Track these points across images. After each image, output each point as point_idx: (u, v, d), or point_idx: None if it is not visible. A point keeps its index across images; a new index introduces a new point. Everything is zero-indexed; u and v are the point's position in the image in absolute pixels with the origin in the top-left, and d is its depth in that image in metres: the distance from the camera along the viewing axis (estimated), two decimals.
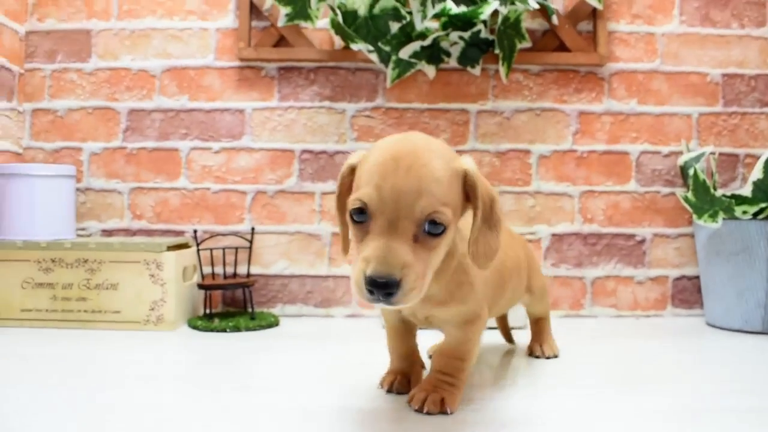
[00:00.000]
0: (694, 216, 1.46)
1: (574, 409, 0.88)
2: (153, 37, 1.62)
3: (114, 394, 0.92)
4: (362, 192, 0.73)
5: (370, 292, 0.70)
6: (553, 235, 1.62)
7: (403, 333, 0.96)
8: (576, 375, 1.06)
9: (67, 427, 0.78)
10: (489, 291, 0.91)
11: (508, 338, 1.30)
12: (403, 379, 0.94)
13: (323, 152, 1.62)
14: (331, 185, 1.61)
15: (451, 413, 0.84)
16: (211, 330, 1.40)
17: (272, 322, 1.47)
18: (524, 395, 0.94)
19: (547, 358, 1.19)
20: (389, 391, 0.93)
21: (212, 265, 1.55)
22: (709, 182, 1.44)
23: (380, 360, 1.08)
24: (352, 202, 0.74)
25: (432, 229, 0.72)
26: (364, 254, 0.71)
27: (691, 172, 1.47)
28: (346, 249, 0.85)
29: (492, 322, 1.34)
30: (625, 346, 1.29)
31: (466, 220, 0.81)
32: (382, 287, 0.69)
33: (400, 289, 0.69)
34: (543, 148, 1.62)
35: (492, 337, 1.33)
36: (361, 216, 0.73)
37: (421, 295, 0.72)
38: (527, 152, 1.62)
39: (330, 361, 1.14)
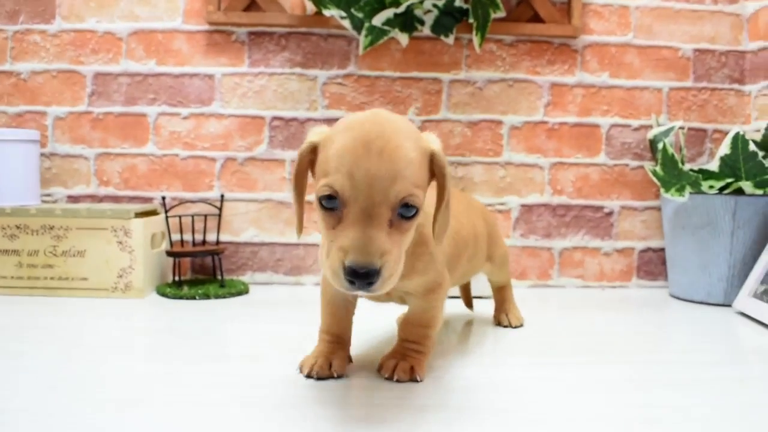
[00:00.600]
0: (662, 189, 1.48)
1: (539, 377, 0.89)
2: None
3: (84, 363, 0.92)
4: (333, 179, 0.71)
5: (350, 282, 0.69)
6: (523, 205, 1.63)
7: (343, 310, 0.92)
8: (542, 344, 1.08)
9: (36, 397, 0.78)
10: (446, 260, 0.92)
11: (469, 304, 1.32)
12: (325, 362, 0.88)
13: (294, 119, 1.60)
14: None
15: (421, 380, 0.86)
16: (180, 297, 1.39)
17: (242, 290, 1.46)
18: (490, 363, 0.96)
19: (514, 327, 1.20)
20: (309, 376, 0.87)
21: (181, 232, 1.54)
22: (677, 156, 1.46)
23: None
24: (322, 189, 0.71)
25: (405, 212, 0.72)
26: (340, 243, 0.70)
27: (660, 146, 1.48)
28: (300, 228, 0.82)
29: (455, 290, 1.36)
30: (591, 317, 1.31)
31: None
32: (363, 277, 0.68)
33: (380, 277, 0.69)
34: (515, 119, 1.62)
35: (457, 307, 1.34)
36: (331, 202, 0.71)
37: (396, 279, 0.72)
38: (499, 123, 1.62)
39: (300, 329, 1.14)
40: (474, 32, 1.55)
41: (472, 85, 1.62)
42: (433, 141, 0.78)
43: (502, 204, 1.63)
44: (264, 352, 0.99)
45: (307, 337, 1.09)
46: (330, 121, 1.59)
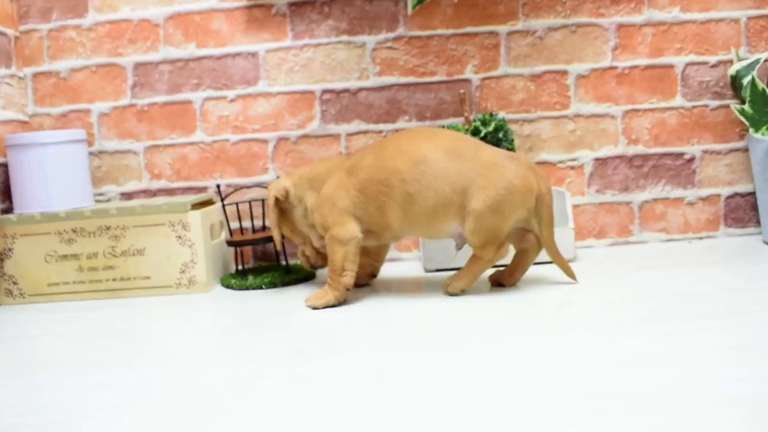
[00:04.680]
0: (751, 129, 1.35)
1: (629, 346, 0.80)
2: None
3: (156, 366, 0.86)
4: None
5: None
6: (596, 159, 1.52)
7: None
8: (624, 309, 0.98)
9: (111, 404, 0.72)
10: (350, 210, 1.14)
11: (503, 279, 1.25)
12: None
13: (345, 91, 1.51)
14: (357, 125, 1.51)
15: (312, 308, 1.12)
16: (247, 288, 1.33)
17: (309, 274, 1.40)
18: (550, 337, 0.86)
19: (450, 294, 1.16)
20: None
21: (239, 219, 1.47)
22: None
23: (424, 309, 1.01)
24: None
25: None
26: None
27: (745, 81, 1.35)
28: None
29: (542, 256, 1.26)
30: (677, 273, 1.20)
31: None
32: None
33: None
34: (581, 68, 1.50)
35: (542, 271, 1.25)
36: None
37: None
38: (564, 73, 1.51)
39: (378, 312, 1.06)
40: None
41: (531, 35, 1.50)
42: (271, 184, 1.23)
43: (573, 160, 1.52)
44: (352, 344, 0.92)
45: (404, 316, 1.01)
46: (382, 89, 1.50)
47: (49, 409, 0.73)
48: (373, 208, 1.13)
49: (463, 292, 1.14)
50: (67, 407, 0.73)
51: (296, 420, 0.65)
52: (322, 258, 1.28)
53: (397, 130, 1.51)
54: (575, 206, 1.53)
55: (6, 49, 1.48)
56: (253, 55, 1.51)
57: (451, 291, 1.14)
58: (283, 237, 1.27)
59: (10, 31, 1.50)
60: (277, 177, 1.50)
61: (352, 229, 1.13)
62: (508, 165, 1.10)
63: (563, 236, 1.35)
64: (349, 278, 1.14)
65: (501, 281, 1.20)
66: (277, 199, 1.22)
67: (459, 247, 1.18)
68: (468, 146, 1.11)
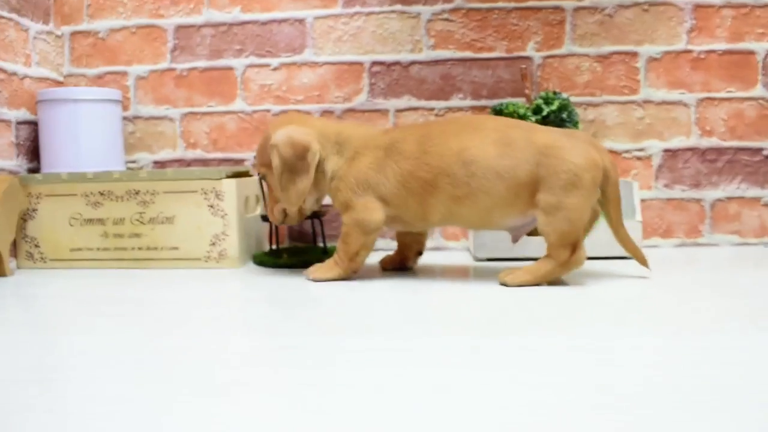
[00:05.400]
0: None
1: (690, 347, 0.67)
2: None
3: (180, 339, 0.76)
4: None
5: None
6: (666, 150, 1.39)
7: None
8: (693, 311, 0.85)
9: (129, 376, 0.62)
10: (394, 192, 1.03)
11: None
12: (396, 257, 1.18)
13: (396, 63, 1.41)
14: (407, 101, 1.41)
15: (313, 281, 1.07)
16: (280, 266, 1.23)
17: None
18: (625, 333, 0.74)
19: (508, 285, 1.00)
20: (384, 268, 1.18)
21: None
22: None
23: (474, 294, 0.90)
24: None
25: (259, 178, 1.16)
26: None
27: None
28: None
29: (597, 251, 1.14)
30: (752, 279, 1.07)
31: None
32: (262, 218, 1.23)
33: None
34: (652, 50, 1.38)
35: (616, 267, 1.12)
36: None
37: (275, 219, 1.14)
38: (634, 55, 1.39)
39: (421, 298, 0.95)
40: None
41: (600, 13, 1.39)
42: (276, 133, 1.06)
43: (640, 150, 1.39)
44: (384, 326, 0.81)
45: (431, 306, 0.90)
46: (436, 63, 1.40)
47: (58, 367, 0.64)
48: (414, 202, 1.02)
49: (519, 285, 1.01)
50: (76, 368, 0.64)
51: (336, 397, 0.54)
52: (301, 216, 1.14)
53: (449, 109, 1.40)
54: (640, 201, 1.40)
55: (44, 5, 1.41)
56: (300, 21, 1.42)
57: (509, 282, 1.00)
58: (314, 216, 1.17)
59: None
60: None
61: (378, 218, 1.04)
62: (566, 144, 0.97)
63: (629, 230, 1.23)
64: (359, 263, 1.07)
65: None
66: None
67: (516, 240, 1.06)
68: (518, 133, 0.99)
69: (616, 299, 0.88)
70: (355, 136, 1.07)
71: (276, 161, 1.04)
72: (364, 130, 1.09)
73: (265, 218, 1.27)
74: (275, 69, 1.43)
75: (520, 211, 0.99)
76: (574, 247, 0.98)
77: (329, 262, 1.08)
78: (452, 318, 0.78)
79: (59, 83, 1.46)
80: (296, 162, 1.04)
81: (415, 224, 1.06)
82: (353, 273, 1.08)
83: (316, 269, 1.08)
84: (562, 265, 0.98)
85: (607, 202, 1.02)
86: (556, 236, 0.97)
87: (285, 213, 1.12)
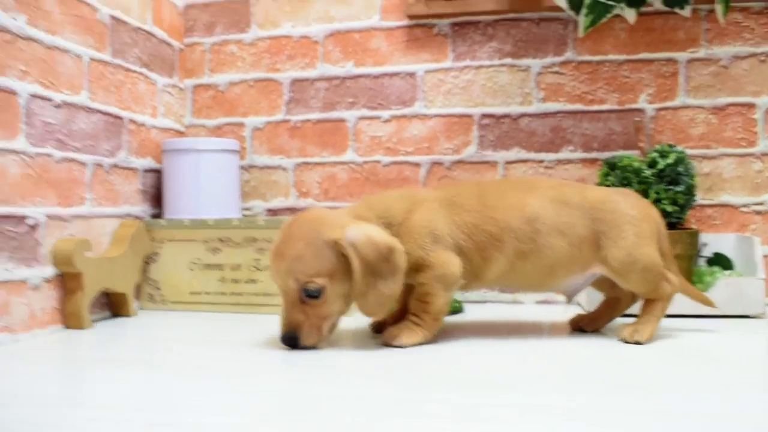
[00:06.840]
0: None
1: None
2: (314, 0, 1.50)
3: (317, 387, 0.77)
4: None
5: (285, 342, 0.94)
6: None
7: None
8: None
9: (236, 414, 0.64)
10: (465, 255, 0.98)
11: (590, 322, 1.10)
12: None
13: (506, 116, 1.42)
14: (516, 153, 1.42)
15: (402, 347, 0.96)
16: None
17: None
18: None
19: (629, 342, 0.98)
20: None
21: None
22: None
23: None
24: None
25: (310, 293, 0.92)
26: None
27: None
28: None
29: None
30: None
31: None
32: (287, 341, 0.94)
33: (300, 338, 0.93)
34: None
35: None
36: None
37: (323, 337, 0.94)
38: (751, 106, 1.36)
39: (551, 352, 0.94)
40: (716, 0, 1.30)
41: (715, 64, 1.37)
42: (345, 232, 0.91)
43: (759, 204, 1.35)
44: (522, 381, 0.81)
45: (558, 360, 0.89)
46: (546, 116, 1.41)
47: (169, 408, 0.66)
48: (478, 256, 0.99)
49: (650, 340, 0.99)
50: (189, 409, 0.66)
51: None
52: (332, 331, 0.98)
53: (560, 161, 1.40)
54: (763, 257, 1.35)
55: (170, 60, 1.50)
56: (411, 75, 1.46)
57: (639, 339, 0.98)
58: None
59: (176, 43, 1.53)
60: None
61: (458, 270, 0.97)
62: (617, 198, 1.01)
63: (750, 287, 1.19)
64: (441, 323, 1.00)
65: (581, 326, 1.09)
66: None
67: (570, 300, 1.07)
68: (571, 191, 1.02)
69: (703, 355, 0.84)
70: (393, 202, 1.01)
71: (356, 263, 0.89)
72: (398, 194, 1.03)
73: (291, 341, 0.94)
74: (386, 121, 1.47)
75: (581, 268, 1.00)
76: (664, 278, 1.00)
77: (408, 325, 0.98)
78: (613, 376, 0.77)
79: (181, 133, 1.54)
80: (380, 264, 0.91)
81: (470, 283, 1.01)
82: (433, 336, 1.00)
83: (399, 334, 0.97)
84: (669, 296, 1.00)
85: (663, 255, 1.02)
86: (644, 287, 0.99)
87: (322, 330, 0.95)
